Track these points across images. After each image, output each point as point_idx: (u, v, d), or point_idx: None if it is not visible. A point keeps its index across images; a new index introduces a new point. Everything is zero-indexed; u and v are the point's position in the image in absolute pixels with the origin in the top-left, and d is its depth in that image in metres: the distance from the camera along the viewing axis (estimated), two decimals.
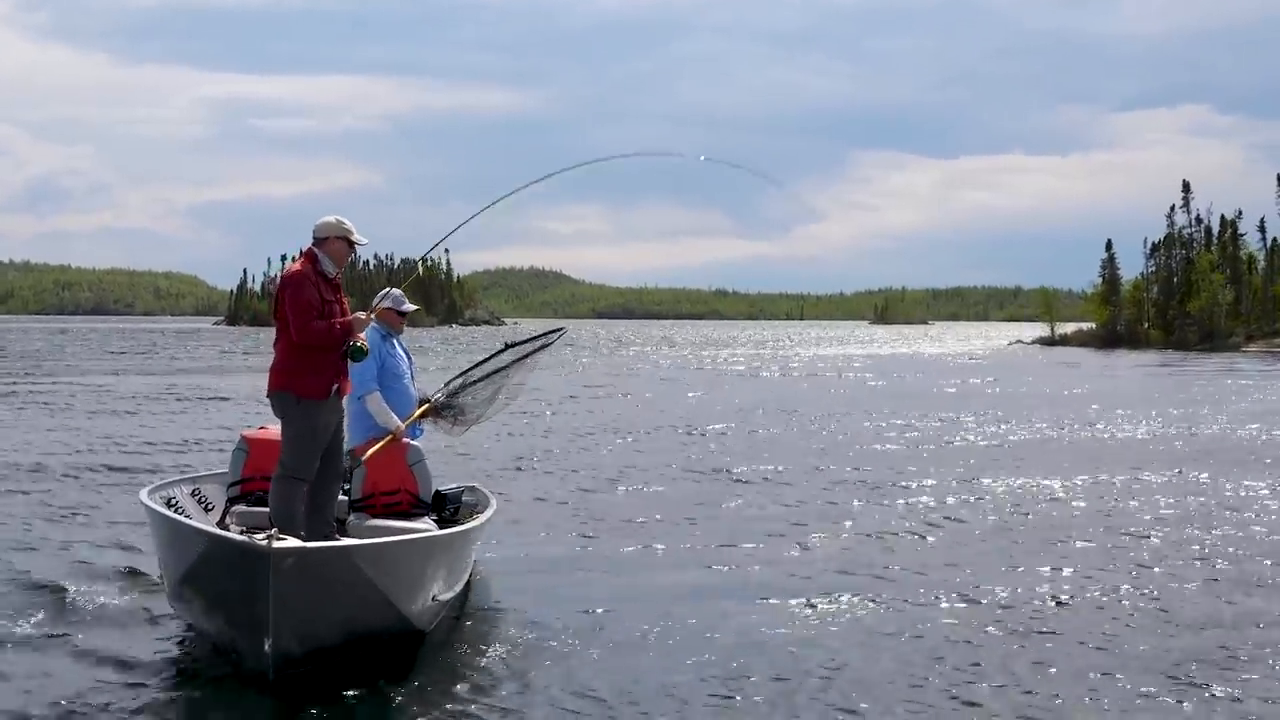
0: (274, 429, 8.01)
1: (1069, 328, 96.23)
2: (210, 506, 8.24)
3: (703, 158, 9.89)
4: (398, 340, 8.21)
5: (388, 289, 8.09)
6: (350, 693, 5.88)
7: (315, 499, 7.08)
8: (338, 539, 7.00)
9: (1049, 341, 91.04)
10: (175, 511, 7.35)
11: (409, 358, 8.33)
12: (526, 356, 8.59)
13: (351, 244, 7.10)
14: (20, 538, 9.71)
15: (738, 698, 5.99)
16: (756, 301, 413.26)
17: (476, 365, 8.69)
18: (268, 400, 7.12)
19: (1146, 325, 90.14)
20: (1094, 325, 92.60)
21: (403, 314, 8.22)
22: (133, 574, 8.37)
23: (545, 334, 8.93)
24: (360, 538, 7.07)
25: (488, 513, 7.95)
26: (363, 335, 7.12)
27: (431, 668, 6.44)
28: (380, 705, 5.84)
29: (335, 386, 7.01)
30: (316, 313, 6.86)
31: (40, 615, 7.19)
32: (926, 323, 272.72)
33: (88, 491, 12.34)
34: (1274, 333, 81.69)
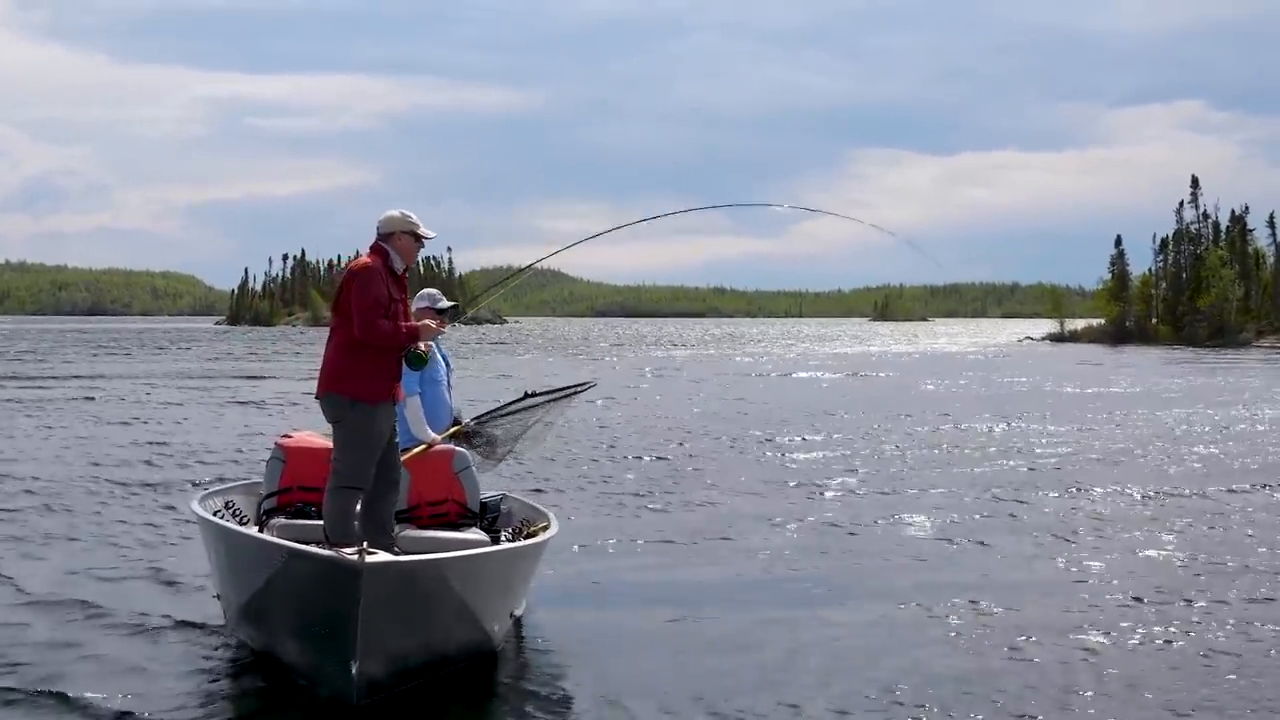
0: (304, 435, 7.70)
1: (1078, 324, 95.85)
2: (245, 520, 7.68)
3: (787, 205, 11.00)
4: (436, 344, 7.79)
5: (422, 289, 7.91)
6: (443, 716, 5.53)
7: (371, 510, 6.62)
8: (397, 552, 6.47)
9: (1059, 338, 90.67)
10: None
11: (447, 364, 8.01)
12: (550, 403, 8.40)
13: (419, 238, 6.69)
14: (47, 559, 8.95)
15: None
16: (755, 299, 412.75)
17: (503, 405, 8.49)
18: (317, 402, 6.60)
19: (1155, 321, 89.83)
20: (1102, 321, 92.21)
21: (440, 313, 7.81)
22: (179, 593, 7.83)
23: (572, 386, 8.72)
24: (411, 550, 6.57)
25: (554, 523, 7.48)
26: (424, 344, 6.68)
27: (513, 688, 6.04)
28: None
29: (390, 392, 6.53)
30: (383, 310, 6.43)
31: (82, 648, 6.49)
32: (925, 319, 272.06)
33: (111, 506, 11.39)
34: None
